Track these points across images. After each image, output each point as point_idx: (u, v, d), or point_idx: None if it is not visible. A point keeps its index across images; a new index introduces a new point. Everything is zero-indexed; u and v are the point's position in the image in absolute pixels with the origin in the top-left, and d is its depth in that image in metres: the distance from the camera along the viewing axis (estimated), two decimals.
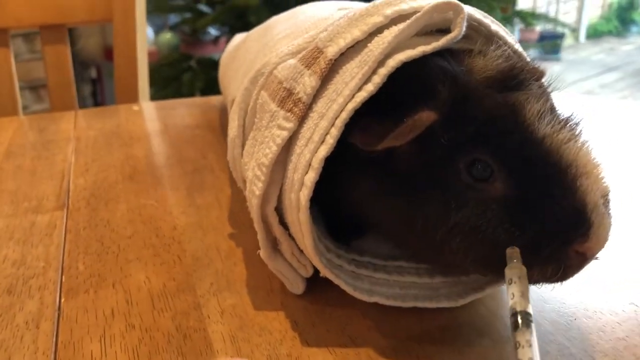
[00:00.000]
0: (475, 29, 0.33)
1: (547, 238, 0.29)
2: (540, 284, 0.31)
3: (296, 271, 0.37)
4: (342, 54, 0.34)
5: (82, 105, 2.60)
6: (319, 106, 0.33)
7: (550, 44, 3.26)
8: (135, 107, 0.77)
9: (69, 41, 0.87)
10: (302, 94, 0.33)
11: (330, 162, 0.32)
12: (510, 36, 0.35)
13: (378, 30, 0.33)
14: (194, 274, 0.40)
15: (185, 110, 0.77)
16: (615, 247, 0.42)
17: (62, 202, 0.52)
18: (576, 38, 6.02)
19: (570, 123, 0.31)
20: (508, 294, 0.28)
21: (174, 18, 2.56)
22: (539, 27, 4.71)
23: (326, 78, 0.33)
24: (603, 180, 0.30)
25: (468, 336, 0.34)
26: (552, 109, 0.31)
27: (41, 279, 0.40)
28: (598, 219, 0.29)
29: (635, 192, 0.51)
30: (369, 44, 0.32)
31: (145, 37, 0.87)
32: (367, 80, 0.31)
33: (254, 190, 0.35)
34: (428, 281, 0.37)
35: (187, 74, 2.20)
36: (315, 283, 0.37)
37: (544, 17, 2.16)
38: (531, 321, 0.27)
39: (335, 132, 0.31)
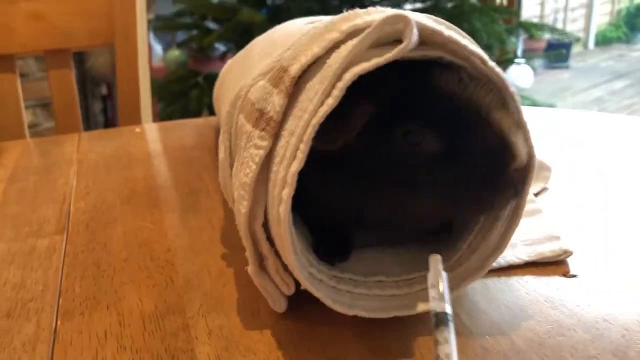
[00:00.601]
0: (430, 37, 0.35)
1: (488, 172, 0.34)
2: (506, 209, 0.37)
3: (279, 289, 0.39)
4: (305, 71, 0.36)
5: (93, 121, 2.65)
6: (289, 124, 0.35)
7: (558, 52, 3.26)
8: (137, 129, 0.79)
9: (73, 65, 0.90)
10: (272, 113, 0.36)
11: (307, 175, 0.34)
12: (465, 37, 0.37)
13: (336, 45, 0.35)
14: (185, 296, 0.42)
15: (185, 131, 0.79)
16: (591, 264, 0.43)
17: (62, 226, 0.53)
18: (585, 45, 6.01)
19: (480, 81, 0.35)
20: (430, 298, 0.32)
21: (181, 35, 2.60)
22: (546, 36, 4.71)
23: (294, 96, 0.36)
24: (516, 104, 0.36)
25: None
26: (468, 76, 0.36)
27: (39, 302, 0.42)
28: (516, 137, 0.34)
29: (612, 207, 0.52)
30: (327, 60, 0.35)
31: (147, 60, 0.89)
32: (328, 94, 0.33)
33: (240, 209, 0.37)
34: (407, 291, 0.38)
35: (194, 90, 2.23)
36: (300, 304, 0.39)
37: (548, 27, 2.16)
38: (449, 320, 0.31)
39: (303, 147, 0.34)
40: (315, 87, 0.34)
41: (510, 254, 0.44)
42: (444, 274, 0.33)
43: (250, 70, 0.44)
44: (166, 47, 2.73)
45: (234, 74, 0.52)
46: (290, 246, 0.35)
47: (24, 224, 0.54)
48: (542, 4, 5.58)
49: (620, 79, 4.88)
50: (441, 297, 0.32)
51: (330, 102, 0.33)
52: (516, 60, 2.38)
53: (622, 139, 0.71)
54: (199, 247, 0.48)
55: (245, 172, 0.36)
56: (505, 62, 2.26)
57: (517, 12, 2.30)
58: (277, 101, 0.35)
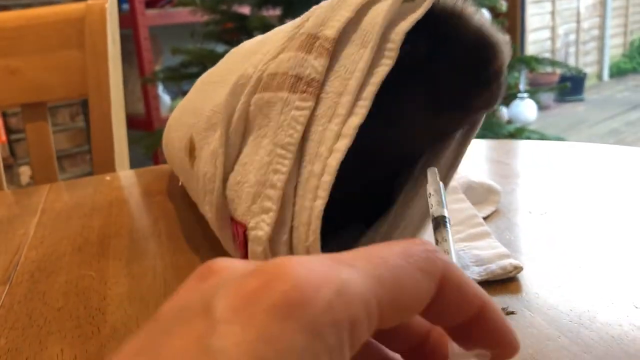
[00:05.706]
0: None
1: (470, 69, 0.38)
2: (494, 106, 0.40)
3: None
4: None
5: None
6: (333, 86, 0.36)
7: (562, 86, 3.24)
8: (107, 177, 0.79)
9: (49, 117, 0.91)
10: (314, 74, 0.37)
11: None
12: None
13: (363, 8, 0.37)
14: (108, 345, 0.41)
15: (154, 177, 0.79)
16: (543, 281, 0.41)
17: (7, 276, 0.53)
18: (599, 77, 5.98)
19: None
20: (429, 205, 0.35)
21: (188, 85, 2.65)
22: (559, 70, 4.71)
23: (330, 59, 0.37)
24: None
25: None
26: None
27: None
28: (497, 39, 0.38)
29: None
30: (360, 24, 0.36)
31: (123, 111, 0.91)
32: (381, 54, 0.36)
33: (279, 168, 0.36)
34: None
35: None
36: None
37: (548, 61, 2.15)
38: (447, 222, 0.34)
39: (364, 104, 0.35)
40: (355, 49, 0.36)
41: None
42: (440, 184, 0.36)
43: (223, 79, 0.46)
44: (174, 97, 2.78)
45: (191, 102, 0.54)
46: (324, 193, 0.35)
47: None
48: (552, 39, 5.59)
49: (636, 109, 4.82)
50: (439, 203, 0.35)
51: (389, 62, 0.35)
52: (519, 94, 2.37)
53: (587, 167, 0.69)
54: (135, 294, 0.48)
55: (287, 133, 0.37)
56: (508, 97, 2.25)
57: (514, 47, 2.29)
58: (317, 63, 0.36)
